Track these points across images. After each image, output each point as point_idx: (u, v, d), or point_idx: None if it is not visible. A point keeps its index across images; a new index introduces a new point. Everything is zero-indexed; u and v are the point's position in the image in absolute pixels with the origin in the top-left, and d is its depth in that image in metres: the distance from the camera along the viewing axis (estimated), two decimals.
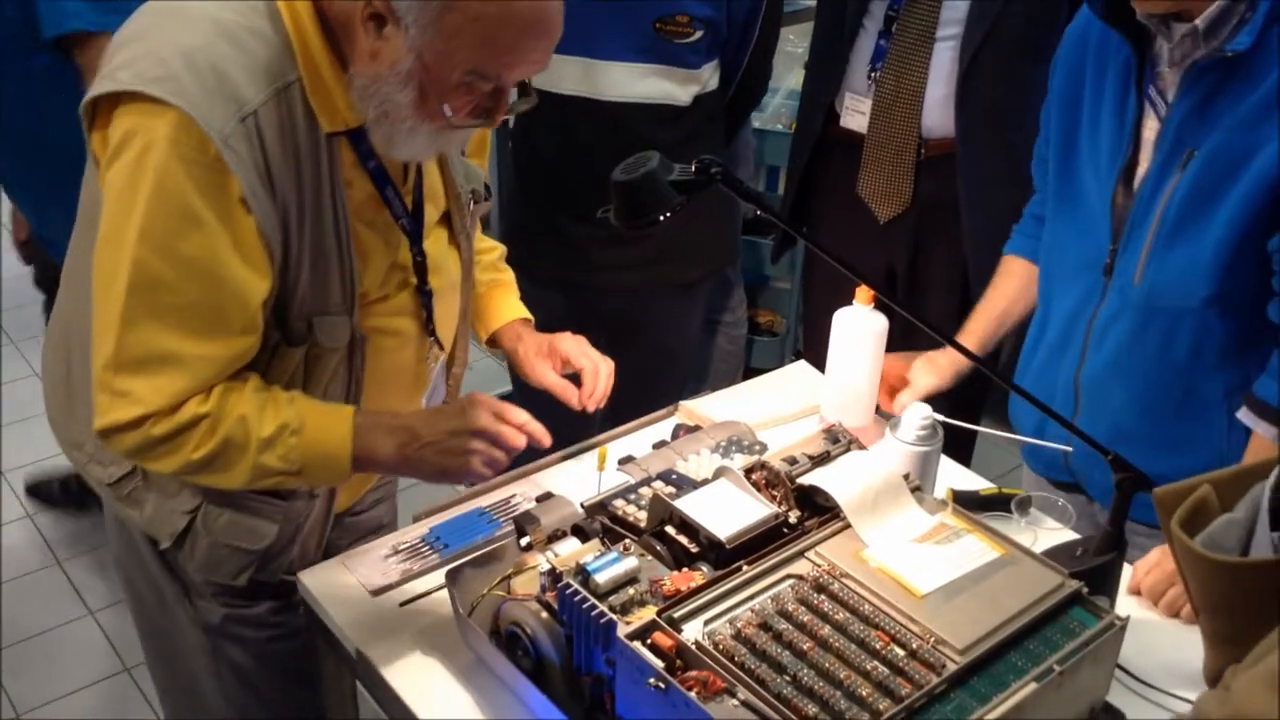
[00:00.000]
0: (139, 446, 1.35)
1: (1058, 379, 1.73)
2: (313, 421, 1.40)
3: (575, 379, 1.70)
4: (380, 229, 1.47)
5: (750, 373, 2.77)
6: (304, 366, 1.45)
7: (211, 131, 1.25)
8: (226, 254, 1.30)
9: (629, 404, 2.21)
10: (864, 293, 1.75)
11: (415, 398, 1.63)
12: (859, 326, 1.77)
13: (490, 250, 1.81)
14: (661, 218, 1.34)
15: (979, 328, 1.87)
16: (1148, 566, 1.54)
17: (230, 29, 1.30)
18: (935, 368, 1.81)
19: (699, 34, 2.25)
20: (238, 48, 1.29)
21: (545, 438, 1.49)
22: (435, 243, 1.56)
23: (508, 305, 1.79)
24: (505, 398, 1.85)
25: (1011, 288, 1.88)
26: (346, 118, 1.35)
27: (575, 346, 1.71)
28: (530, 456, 1.77)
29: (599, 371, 1.69)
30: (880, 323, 1.77)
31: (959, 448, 2.01)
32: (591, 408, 1.68)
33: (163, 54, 1.27)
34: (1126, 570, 1.52)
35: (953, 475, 1.79)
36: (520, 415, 1.47)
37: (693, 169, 1.34)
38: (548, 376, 1.70)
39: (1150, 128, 1.59)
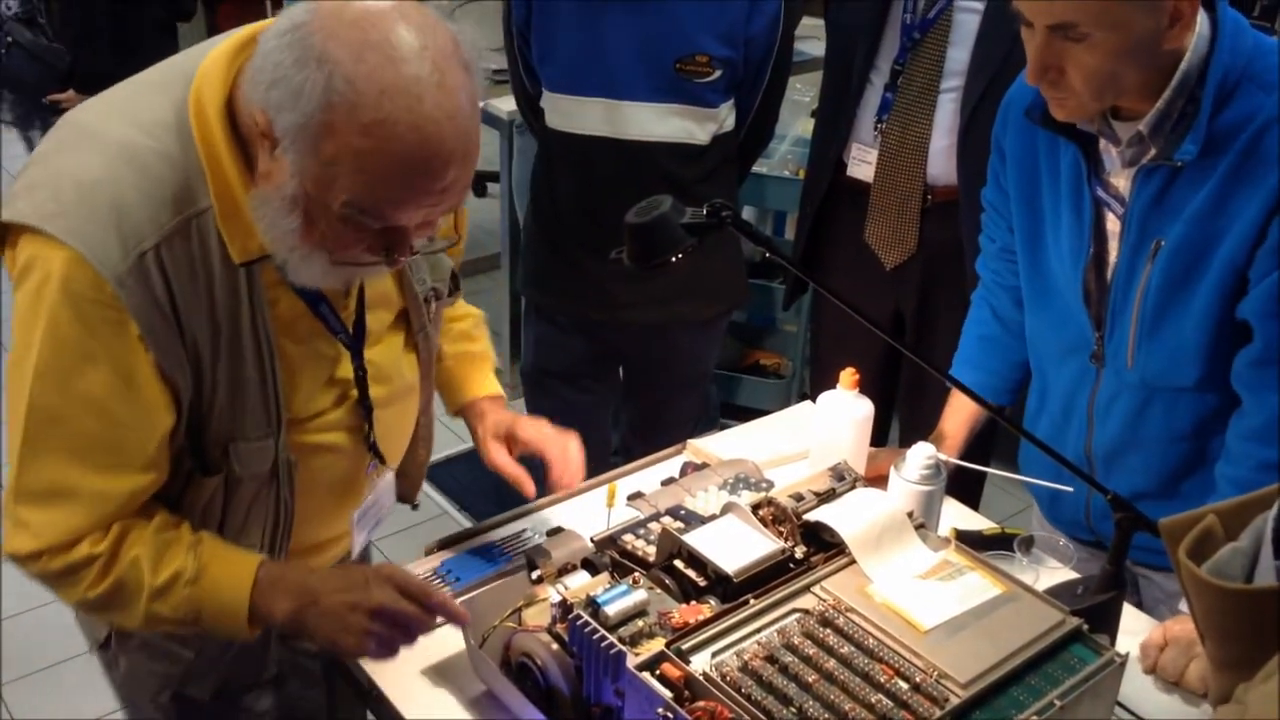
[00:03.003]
0: (39, 577, 1.33)
1: (1066, 449, 1.75)
2: (212, 571, 1.33)
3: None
4: (312, 345, 1.39)
5: (756, 414, 2.80)
6: (222, 493, 1.39)
7: (105, 271, 1.20)
8: (123, 391, 1.25)
9: (644, 439, 2.25)
10: (848, 377, 1.76)
11: (347, 511, 1.56)
12: (842, 412, 1.77)
13: (463, 318, 1.75)
14: (674, 259, 1.38)
15: (957, 436, 1.85)
16: (1156, 646, 1.53)
17: (137, 154, 1.23)
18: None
19: (718, 74, 2.31)
20: (143, 175, 1.22)
21: (464, 618, 1.38)
22: (388, 349, 1.50)
23: (473, 380, 1.74)
24: None
25: (968, 411, 1.86)
26: (261, 244, 1.26)
27: (534, 431, 1.65)
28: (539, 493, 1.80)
29: (567, 453, 1.63)
30: (864, 408, 1.77)
31: (967, 492, 2.04)
32: (567, 485, 1.65)
33: (60, 185, 1.22)
34: (1127, 610, 1.54)
35: (958, 517, 1.82)
36: (435, 596, 1.37)
37: (704, 212, 1.38)
38: (501, 460, 1.64)
39: (1113, 221, 1.61)
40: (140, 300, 1.22)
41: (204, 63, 1.26)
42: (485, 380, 1.74)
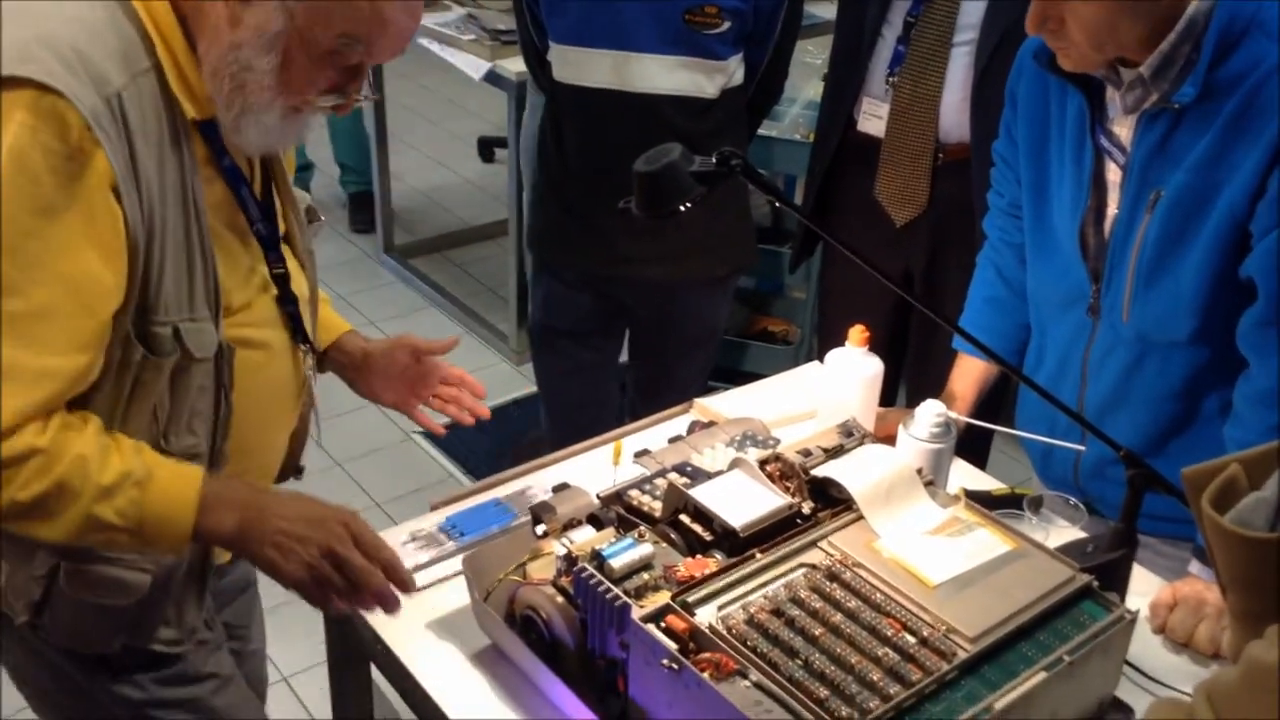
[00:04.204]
0: None
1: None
2: (160, 475, 1.26)
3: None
4: (237, 233, 1.39)
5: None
6: (170, 383, 1.33)
7: (81, 107, 1.15)
8: (84, 251, 1.19)
9: (650, 400, 2.23)
10: (857, 334, 1.75)
11: (295, 412, 1.55)
12: (852, 370, 1.75)
13: None
14: (682, 208, 1.36)
15: (967, 396, 1.86)
16: (1165, 606, 1.51)
17: (79, 15, 1.22)
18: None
19: (727, 24, 2.29)
20: (92, 32, 1.21)
21: (409, 585, 1.35)
22: (288, 258, 1.49)
23: (330, 319, 1.69)
24: (527, 399, 1.86)
25: (977, 372, 1.87)
26: (207, 107, 1.28)
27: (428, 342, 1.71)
28: (547, 449, 1.79)
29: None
30: (874, 366, 1.76)
31: (974, 454, 2.02)
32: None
33: (13, 39, 1.17)
34: (1136, 571, 1.52)
35: (966, 478, 1.80)
36: (386, 552, 1.32)
37: (713, 161, 1.36)
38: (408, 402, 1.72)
39: (1114, 171, 1.60)
40: (113, 144, 1.18)
41: None
42: (334, 317, 1.71)
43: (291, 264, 1.49)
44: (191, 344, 1.31)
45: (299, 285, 1.50)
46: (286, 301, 1.46)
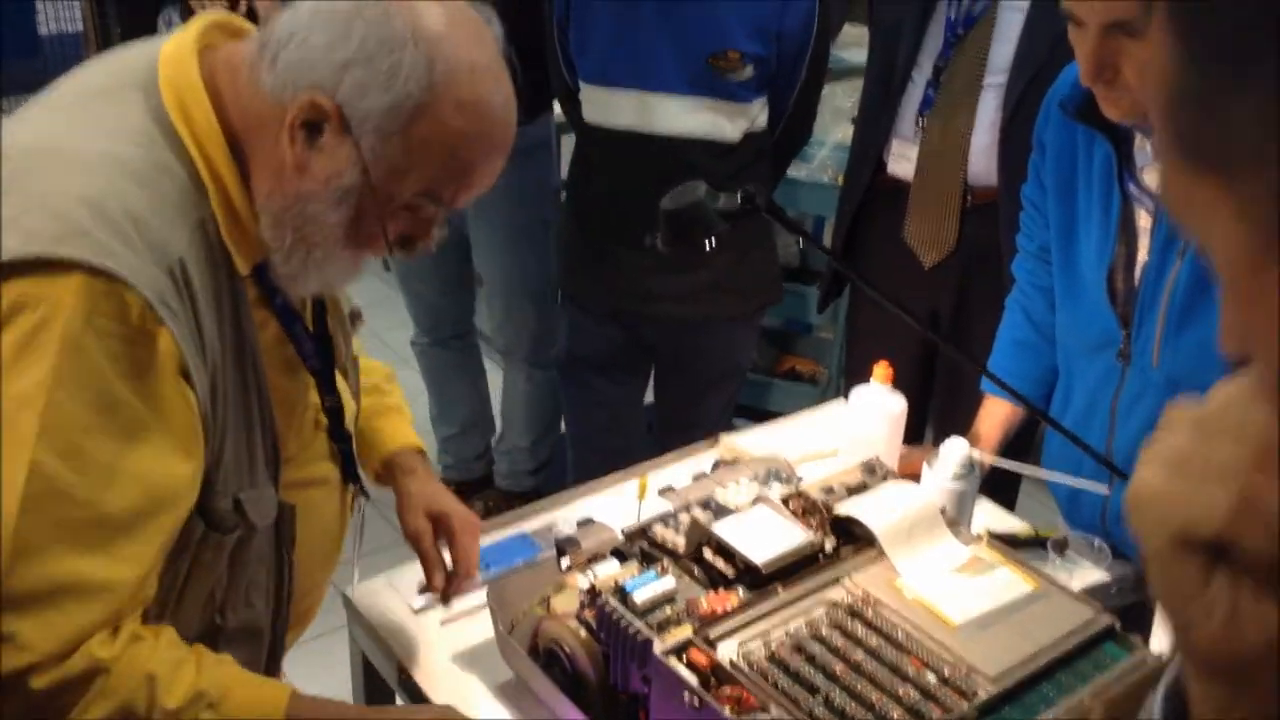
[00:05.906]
0: (15, 707, 1.03)
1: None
2: (238, 695, 1.13)
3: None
4: (290, 373, 1.27)
5: None
6: (228, 558, 1.21)
7: (144, 290, 1.02)
8: (155, 448, 1.06)
9: (677, 432, 2.24)
10: (882, 371, 1.76)
11: (335, 556, 1.45)
12: (876, 407, 1.77)
13: (372, 371, 1.56)
14: (707, 244, 1.38)
15: (992, 438, 1.85)
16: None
17: (130, 165, 1.07)
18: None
19: (750, 69, 2.32)
20: (145, 186, 1.07)
21: None
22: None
23: (396, 430, 1.55)
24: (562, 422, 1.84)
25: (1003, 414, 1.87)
26: (259, 253, 1.16)
27: (467, 522, 1.50)
28: (572, 483, 1.80)
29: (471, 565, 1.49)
30: (898, 403, 1.77)
31: (1001, 497, 2.02)
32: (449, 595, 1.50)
33: (57, 205, 1.02)
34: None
35: (993, 519, 1.80)
36: None
37: (738, 198, 1.38)
38: (425, 542, 1.47)
39: (1144, 218, 1.60)
40: (180, 324, 1.06)
41: (166, 62, 1.13)
42: (406, 430, 1.57)
43: (339, 385, 1.38)
44: (253, 514, 1.20)
45: (348, 405, 1.39)
46: (339, 438, 1.37)
